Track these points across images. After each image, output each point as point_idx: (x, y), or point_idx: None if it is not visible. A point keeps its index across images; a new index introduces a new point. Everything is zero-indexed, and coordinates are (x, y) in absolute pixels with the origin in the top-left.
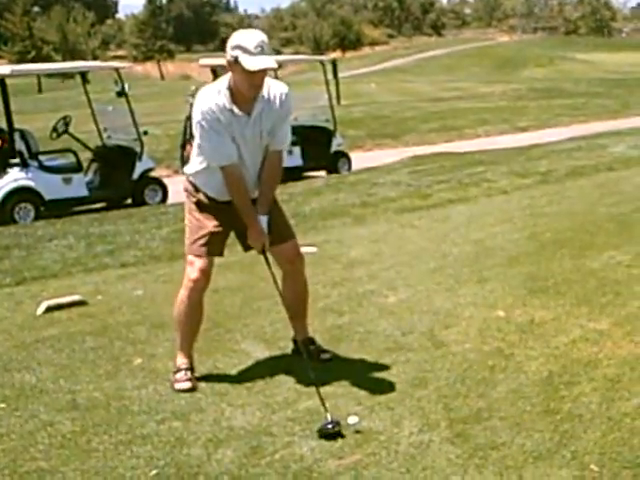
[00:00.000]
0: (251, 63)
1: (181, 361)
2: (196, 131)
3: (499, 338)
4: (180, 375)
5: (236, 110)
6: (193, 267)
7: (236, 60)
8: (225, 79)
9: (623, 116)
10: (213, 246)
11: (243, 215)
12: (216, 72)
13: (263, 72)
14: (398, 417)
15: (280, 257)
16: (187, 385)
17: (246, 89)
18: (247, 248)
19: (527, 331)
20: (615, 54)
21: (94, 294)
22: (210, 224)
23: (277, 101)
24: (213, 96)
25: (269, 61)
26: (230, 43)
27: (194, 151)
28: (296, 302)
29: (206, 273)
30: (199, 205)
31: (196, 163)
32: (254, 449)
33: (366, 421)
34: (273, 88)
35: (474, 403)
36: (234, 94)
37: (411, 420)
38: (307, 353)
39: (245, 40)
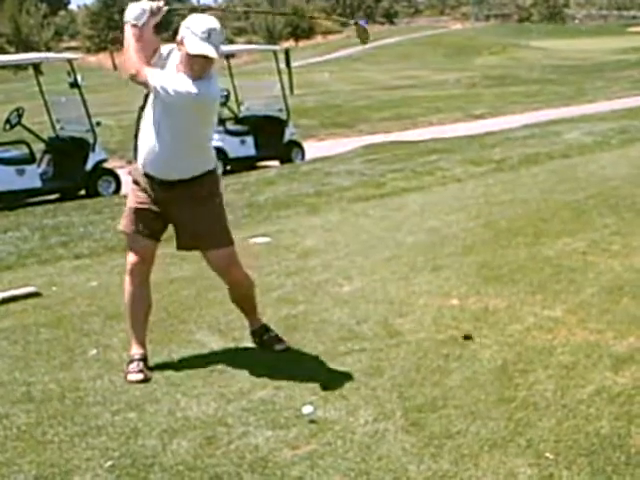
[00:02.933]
0: (191, 46)
1: (134, 351)
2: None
3: (453, 326)
4: (133, 366)
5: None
6: (130, 250)
7: (182, 40)
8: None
9: (577, 103)
10: (139, 225)
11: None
12: None
13: (203, 59)
14: (353, 406)
15: (214, 265)
16: (139, 377)
17: (187, 69)
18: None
19: (481, 319)
20: (569, 40)
21: (49, 286)
22: (138, 202)
23: None
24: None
25: (209, 50)
26: (184, 23)
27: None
28: (241, 302)
29: (143, 256)
30: (136, 184)
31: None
32: (209, 439)
33: (321, 411)
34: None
35: (429, 392)
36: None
37: (366, 409)
38: (261, 343)
39: (196, 23)
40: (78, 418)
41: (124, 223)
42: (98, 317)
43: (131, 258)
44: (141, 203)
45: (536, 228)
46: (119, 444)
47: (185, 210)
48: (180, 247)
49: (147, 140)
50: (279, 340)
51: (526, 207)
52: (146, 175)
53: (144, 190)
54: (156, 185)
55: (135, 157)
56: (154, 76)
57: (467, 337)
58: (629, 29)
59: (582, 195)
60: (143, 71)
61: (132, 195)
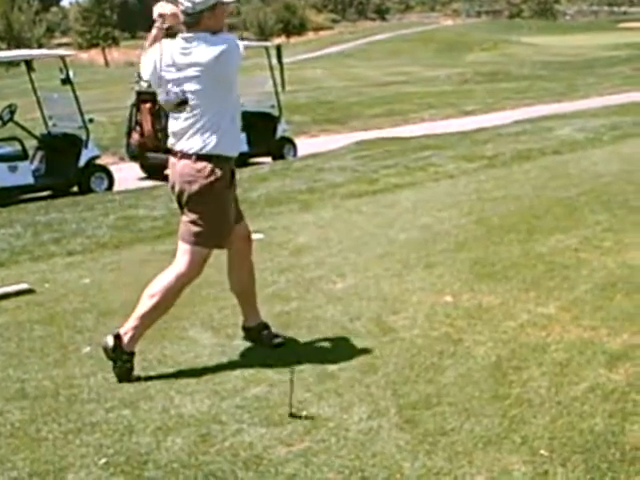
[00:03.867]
0: None
1: (134, 347)
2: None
3: (447, 323)
4: (131, 365)
5: None
6: (198, 260)
7: (213, 5)
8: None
9: (568, 99)
10: (226, 239)
11: None
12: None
13: None
14: (347, 403)
15: (238, 234)
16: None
17: (219, 29)
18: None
19: (475, 316)
20: (559, 37)
21: (41, 282)
22: (230, 215)
23: None
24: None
25: None
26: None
27: (219, 120)
28: (246, 283)
29: (205, 265)
30: (222, 188)
31: (219, 128)
32: (203, 437)
33: (315, 407)
34: None
35: (423, 389)
36: None
37: (360, 406)
38: (259, 338)
39: None
40: (72, 415)
41: (213, 241)
42: (91, 314)
43: (198, 269)
44: (231, 216)
45: (529, 225)
46: (113, 441)
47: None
48: (241, 219)
49: (228, 124)
50: (276, 336)
51: (518, 203)
52: (227, 159)
53: (226, 194)
54: (230, 167)
55: (128, 154)
56: None
57: None
58: (620, 25)
59: (574, 192)
60: None
61: (221, 208)
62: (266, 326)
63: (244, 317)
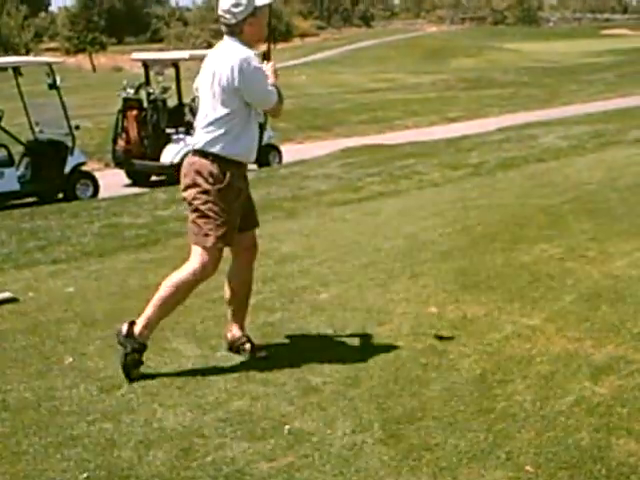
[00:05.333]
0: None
1: (147, 338)
2: (258, 78)
3: (432, 335)
4: (140, 358)
5: None
6: (210, 259)
7: (253, 11)
8: (232, 43)
9: (552, 106)
10: (233, 237)
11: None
12: (148, 66)
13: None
14: (331, 418)
15: (242, 243)
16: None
17: (261, 32)
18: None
19: (460, 328)
20: (543, 43)
21: (25, 291)
22: (236, 215)
23: None
24: (243, 48)
25: None
26: (236, 7)
27: (227, 124)
28: (242, 293)
29: (220, 262)
30: (227, 191)
31: (231, 132)
32: (185, 451)
33: (298, 422)
34: None
35: (407, 402)
36: None
37: (344, 421)
38: (243, 351)
39: None
40: (53, 428)
41: (220, 240)
42: (74, 324)
43: (212, 267)
44: (238, 216)
45: (513, 234)
46: (95, 455)
47: (248, 190)
48: (251, 227)
49: (251, 131)
50: (259, 349)
51: (503, 212)
52: (243, 165)
53: (233, 196)
54: (243, 172)
55: (114, 160)
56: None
57: None
58: (602, 32)
59: (558, 200)
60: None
61: (227, 208)
62: (249, 339)
63: (229, 328)
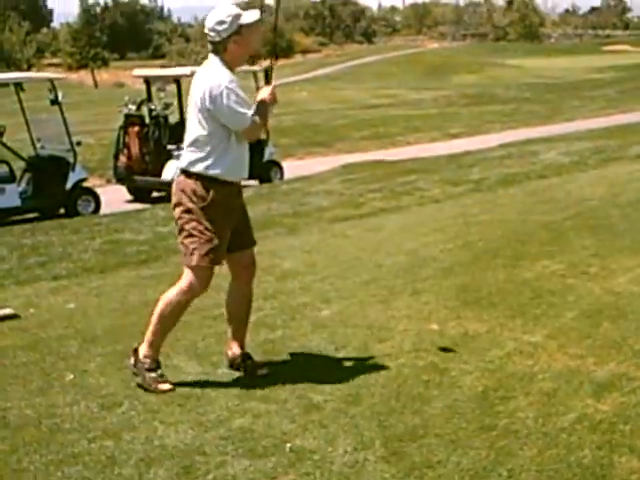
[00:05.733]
0: (253, 14)
1: (155, 356)
2: (227, 100)
3: (433, 352)
4: (158, 374)
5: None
6: (201, 277)
7: (238, 29)
8: (214, 62)
9: (553, 122)
10: (223, 254)
11: (265, 116)
12: (149, 82)
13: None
14: (332, 435)
15: (240, 262)
16: (168, 386)
17: (246, 51)
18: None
19: (461, 344)
20: (545, 59)
21: (26, 307)
22: (223, 233)
23: None
24: (222, 69)
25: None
26: (220, 25)
27: (208, 143)
28: (243, 311)
29: (210, 281)
30: (210, 210)
31: (212, 152)
32: (187, 469)
33: (299, 439)
34: None
35: (409, 420)
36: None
37: (345, 438)
38: (244, 368)
39: (228, 10)
40: (54, 445)
41: (207, 259)
42: (75, 340)
43: (202, 285)
44: (226, 234)
45: (515, 250)
46: (95, 473)
47: (244, 207)
48: (243, 248)
49: (233, 150)
50: (260, 367)
51: (504, 228)
52: (231, 184)
53: (220, 214)
54: (237, 189)
55: (115, 176)
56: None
57: None
58: (604, 48)
59: (560, 216)
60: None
61: (213, 227)
62: (249, 357)
63: (229, 345)
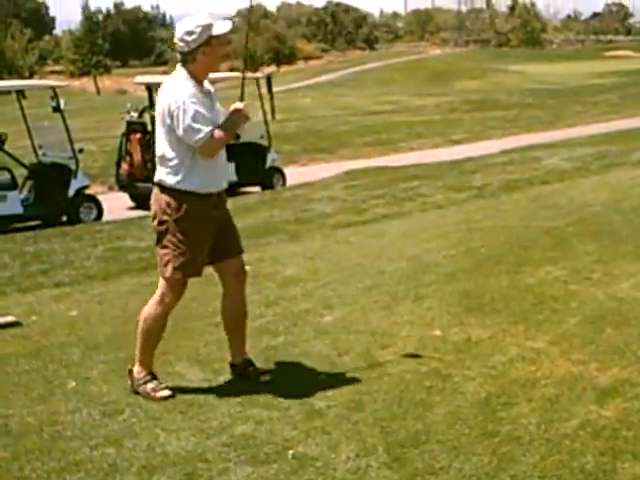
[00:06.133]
0: (224, 25)
1: (148, 369)
2: (183, 115)
3: (436, 358)
4: (155, 384)
5: (203, 89)
6: (174, 288)
7: (208, 40)
8: (179, 74)
9: (555, 127)
10: (199, 266)
11: (229, 132)
12: (151, 89)
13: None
14: (335, 442)
15: (227, 270)
16: (167, 392)
17: (215, 62)
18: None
19: (464, 350)
20: (547, 65)
21: (28, 315)
22: (198, 246)
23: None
24: (184, 83)
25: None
26: (188, 36)
27: (175, 157)
28: (239, 319)
29: (185, 289)
30: (184, 222)
31: (182, 167)
32: (189, 476)
33: (302, 446)
34: None
35: (411, 426)
36: (195, 81)
37: (348, 445)
38: (246, 375)
39: (198, 20)
40: (56, 453)
41: (183, 272)
42: (77, 348)
43: (177, 296)
44: (203, 247)
45: (517, 256)
46: None
47: (227, 216)
48: (230, 256)
49: (202, 165)
50: (263, 373)
51: (507, 234)
52: (206, 196)
53: (195, 226)
54: (213, 202)
55: (117, 183)
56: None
57: None
58: (606, 53)
59: (562, 222)
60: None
61: (188, 240)
62: (251, 363)
63: (232, 353)
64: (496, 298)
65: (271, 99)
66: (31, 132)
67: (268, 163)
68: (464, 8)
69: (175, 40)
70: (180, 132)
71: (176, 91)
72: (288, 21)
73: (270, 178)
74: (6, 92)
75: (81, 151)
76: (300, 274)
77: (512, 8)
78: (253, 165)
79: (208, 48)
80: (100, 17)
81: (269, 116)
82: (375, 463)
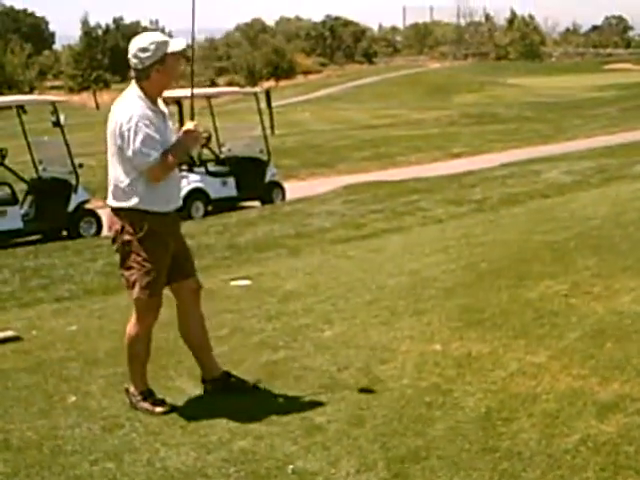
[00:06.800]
0: (179, 42)
1: (145, 386)
2: (134, 137)
3: (436, 373)
4: (151, 401)
5: (156, 108)
6: (150, 306)
7: (162, 57)
8: (132, 91)
9: (555, 141)
10: (163, 285)
11: (178, 156)
12: None
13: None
14: (334, 457)
15: (186, 288)
16: (164, 408)
17: (169, 80)
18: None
19: (464, 365)
20: (546, 78)
21: (29, 329)
22: (162, 264)
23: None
24: (137, 102)
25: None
26: (142, 52)
27: (128, 177)
28: (202, 335)
29: (160, 307)
30: (147, 240)
31: (137, 186)
32: None
33: (302, 461)
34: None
35: (412, 442)
36: (149, 99)
37: (348, 460)
38: (231, 386)
39: (152, 37)
40: (56, 467)
41: (151, 290)
42: (77, 362)
43: (153, 314)
44: (165, 261)
45: (517, 270)
46: None
47: (181, 236)
48: (188, 276)
49: (172, 179)
50: (243, 381)
51: (507, 248)
52: (166, 214)
53: (157, 243)
54: (172, 218)
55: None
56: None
57: None
58: (606, 66)
59: (563, 236)
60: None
61: (152, 258)
62: (230, 374)
63: (205, 369)
64: (496, 313)
65: (270, 114)
66: (31, 147)
67: (267, 177)
68: (463, 21)
69: (129, 56)
70: (129, 154)
71: (128, 111)
72: (287, 35)
73: (269, 193)
74: (7, 107)
75: (81, 166)
76: (300, 289)
77: (511, 21)
78: (252, 180)
79: (162, 66)
80: (99, 32)
81: (268, 131)
82: (375, 479)
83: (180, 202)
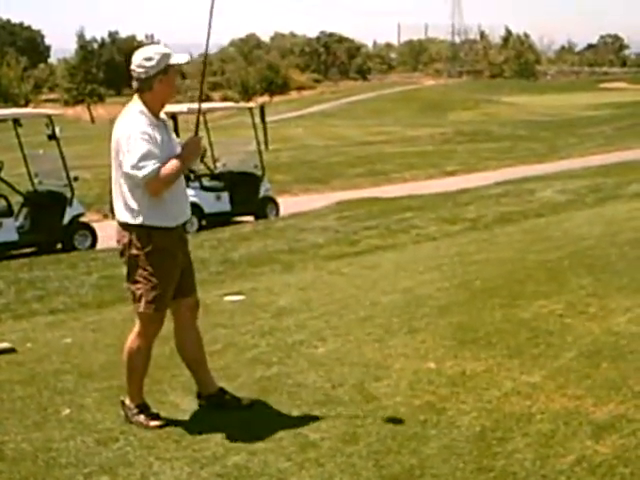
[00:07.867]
0: (182, 56)
1: (141, 400)
2: (133, 151)
3: (430, 391)
4: (147, 414)
5: (158, 122)
6: (154, 320)
7: (165, 68)
8: (134, 107)
9: (550, 160)
10: (171, 293)
11: (179, 166)
12: None
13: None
14: (328, 474)
15: (184, 305)
16: (159, 422)
17: (171, 92)
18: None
19: (459, 384)
20: (541, 96)
21: (23, 342)
22: (169, 279)
23: None
24: (137, 117)
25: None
26: (147, 61)
27: (134, 193)
28: (198, 351)
29: (164, 321)
30: (154, 256)
31: (143, 203)
32: None
33: (295, 478)
34: None
35: (406, 460)
36: (151, 112)
37: (342, 477)
38: (226, 403)
39: (156, 49)
40: None
41: (157, 305)
42: (72, 375)
43: (156, 328)
44: (174, 278)
45: (512, 289)
46: None
47: (187, 252)
48: (187, 294)
49: (177, 193)
50: (238, 399)
51: (501, 267)
52: (173, 229)
53: (165, 259)
54: (179, 233)
55: (112, 212)
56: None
57: None
58: (601, 85)
59: (557, 255)
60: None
61: (160, 274)
62: (225, 391)
63: (202, 385)
64: (491, 331)
65: (264, 129)
66: (27, 160)
67: (261, 193)
68: (458, 39)
69: (133, 67)
70: (127, 169)
71: (128, 127)
72: (281, 51)
73: (263, 208)
74: (2, 120)
75: (76, 179)
76: (293, 304)
77: (506, 39)
78: (246, 195)
79: (165, 77)
80: (95, 46)
81: (262, 146)
82: None
83: (189, 214)
